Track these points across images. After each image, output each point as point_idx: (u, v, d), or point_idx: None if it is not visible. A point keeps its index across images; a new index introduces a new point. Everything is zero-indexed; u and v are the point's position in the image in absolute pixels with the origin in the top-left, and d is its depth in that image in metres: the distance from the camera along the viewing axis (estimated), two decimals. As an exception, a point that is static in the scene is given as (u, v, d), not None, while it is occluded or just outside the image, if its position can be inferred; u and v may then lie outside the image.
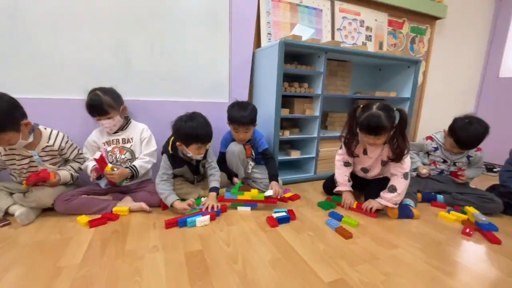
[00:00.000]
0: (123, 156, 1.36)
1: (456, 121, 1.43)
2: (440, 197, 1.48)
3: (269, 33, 1.89)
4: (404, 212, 1.29)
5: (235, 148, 1.50)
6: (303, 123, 1.96)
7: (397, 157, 1.26)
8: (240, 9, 1.72)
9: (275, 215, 1.22)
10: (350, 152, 1.40)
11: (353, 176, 1.50)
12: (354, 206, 1.36)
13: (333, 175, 1.58)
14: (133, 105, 1.51)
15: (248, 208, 1.32)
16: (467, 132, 1.36)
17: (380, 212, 1.33)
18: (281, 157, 1.77)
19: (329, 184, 1.57)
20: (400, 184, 1.27)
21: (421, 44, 2.63)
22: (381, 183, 1.34)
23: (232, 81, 1.82)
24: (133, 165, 1.33)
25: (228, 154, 1.54)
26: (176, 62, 1.65)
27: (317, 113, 1.79)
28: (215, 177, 1.41)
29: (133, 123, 1.44)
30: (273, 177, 1.47)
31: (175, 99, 1.68)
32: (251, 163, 1.58)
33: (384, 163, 1.39)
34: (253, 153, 1.58)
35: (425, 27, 2.60)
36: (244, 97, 1.86)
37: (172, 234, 1.09)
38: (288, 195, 1.51)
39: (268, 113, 1.69)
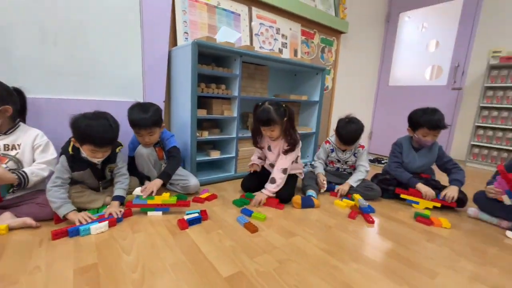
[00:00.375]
0: (4, 165, 1.13)
1: (339, 121, 1.69)
2: (337, 186, 1.72)
3: (186, 32, 1.86)
4: (306, 202, 1.45)
5: (143, 151, 1.42)
6: (224, 124, 2.00)
7: (292, 147, 1.48)
8: (152, 5, 1.64)
9: (186, 217, 1.21)
10: (256, 145, 1.61)
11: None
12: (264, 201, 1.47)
13: (249, 174, 1.67)
14: (31, 104, 1.29)
15: (159, 213, 1.27)
16: (345, 130, 1.62)
17: (288, 204, 1.47)
18: (200, 158, 1.77)
19: (246, 182, 1.65)
20: (279, 177, 1.47)
21: (330, 54, 3.00)
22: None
23: (147, 80, 1.73)
24: (22, 170, 1.12)
25: (137, 158, 1.45)
26: (76, 56, 1.47)
27: (235, 114, 1.85)
28: (122, 185, 1.31)
29: (22, 127, 1.21)
30: (162, 174, 1.38)
31: (82, 97, 1.50)
32: (164, 165, 1.53)
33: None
34: (165, 155, 1.53)
35: (333, 39, 2.98)
36: (160, 97, 1.79)
37: (62, 248, 0.97)
38: (204, 195, 1.52)
39: (186, 113, 1.66)
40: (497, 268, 1.00)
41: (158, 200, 1.25)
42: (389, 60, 3.60)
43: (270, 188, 1.46)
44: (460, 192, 1.51)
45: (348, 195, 1.64)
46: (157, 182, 1.33)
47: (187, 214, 1.25)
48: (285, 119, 1.46)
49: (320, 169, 1.77)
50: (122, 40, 1.60)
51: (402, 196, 1.57)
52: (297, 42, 2.60)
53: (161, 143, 1.52)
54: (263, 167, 1.70)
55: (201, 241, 1.07)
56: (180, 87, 1.72)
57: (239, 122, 1.89)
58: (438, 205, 1.49)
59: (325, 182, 1.68)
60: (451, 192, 1.47)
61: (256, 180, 1.63)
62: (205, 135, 1.77)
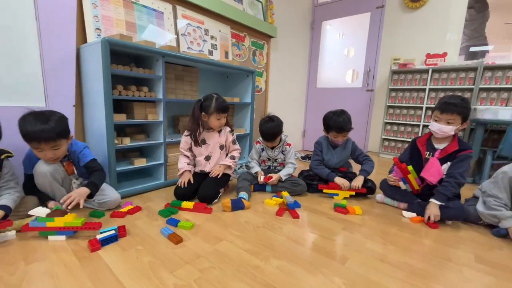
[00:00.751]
0: None
1: (260, 121, 1.77)
2: (268, 186, 1.78)
3: (98, 28, 1.66)
4: (237, 205, 1.45)
5: (45, 169, 1.21)
6: (150, 129, 1.86)
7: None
8: (49, -6, 1.41)
9: (99, 236, 1.07)
10: (195, 140, 1.63)
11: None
12: (191, 205, 1.43)
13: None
14: None
15: (62, 237, 1.10)
16: (265, 127, 1.72)
17: (218, 209, 1.45)
18: (122, 167, 1.60)
19: (180, 188, 1.56)
20: (236, 155, 1.72)
21: (261, 56, 3.09)
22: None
23: (49, 82, 1.48)
24: None
25: (36, 176, 1.22)
26: None
27: (161, 117, 1.74)
28: (11, 196, 1.12)
29: None
30: (89, 184, 1.25)
31: None
32: (76, 181, 1.34)
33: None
34: (76, 170, 1.34)
35: (263, 43, 3.08)
36: (69, 101, 1.56)
37: None
38: (126, 209, 1.38)
39: (100, 119, 1.48)
40: (395, 245, 1.17)
41: (59, 222, 1.07)
42: (316, 64, 3.92)
43: (229, 160, 1.68)
44: (370, 181, 1.73)
45: (278, 192, 1.71)
46: (82, 191, 1.18)
47: (101, 232, 1.11)
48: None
49: (257, 168, 1.81)
50: (9, 33, 1.33)
51: (324, 191, 1.71)
52: (227, 44, 2.60)
53: (71, 156, 1.32)
54: (194, 172, 1.66)
55: (114, 261, 0.96)
56: (92, 90, 1.53)
57: (167, 126, 1.78)
58: (353, 193, 1.68)
59: (262, 175, 1.75)
60: (356, 182, 1.67)
61: (190, 185, 1.57)
62: (126, 142, 1.61)
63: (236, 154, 1.73)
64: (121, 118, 1.56)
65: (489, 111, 2.11)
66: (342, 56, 3.76)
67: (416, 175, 1.49)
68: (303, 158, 3.09)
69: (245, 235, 1.19)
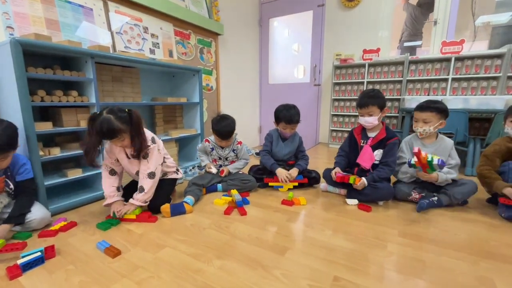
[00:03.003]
0: None
1: (212, 120, 1.76)
2: (219, 186, 1.78)
3: (10, 27, 1.47)
4: (176, 209, 1.42)
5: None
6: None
7: (138, 153, 1.33)
8: None
9: (20, 261, 0.96)
10: (92, 163, 1.27)
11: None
12: (134, 215, 1.35)
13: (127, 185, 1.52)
14: None
15: (-27, 266, 0.96)
16: (219, 126, 1.71)
17: (159, 215, 1.41)
18: (52, 181, 1.45)
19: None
20: (147, 184, 1.37)
21: (209, 55, 3.04)
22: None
23: None
24: None
25: None
26: None
27: (96, 124, 1.61)
28: None
29: None
30: (9, 219, 1.16)
31: None
32: (3, 201, 1.18)
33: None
34: (11, 186, 1.19)
35: (210, 41, 3.03)
36: (-24, 111, 1.35)
37: None
38: (57, 226, 1.26)
39: (20, 129, 1.32)
40: (333, 230, 1.26)
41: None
42: (266, 60, 3.99)
43: (138, 197, 1.36)
44: (314, 171, 1.85)
45: (228, 191, 1.71)
46: (2, 230, 1.10)
47: (23, 256, 1.00)
48: (129, 126, 1.27)
49: (206, 161, 1.85)
50: None
51: (270, 184, 1.77)
52: (171, 42, 2.51)
53: (9, 169, 1.18)
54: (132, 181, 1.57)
55: (38, 287, 0.87)
56: (7, 97, 1.34)
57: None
58: (296, 184, 1.78)
59: (212, 167, 1.77)
60: (291, 172, 1.77)
61: (133, 192, 1.48)
62: (56, 153, 1.46)
63: (146, 183, 1.39)
64: (46, 127, 1.41)
65: (414, 101, 2.39)
66: (291, 52, 3.89)
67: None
68: (257, 154, 3.15)
69: (189, 239, 1.17)
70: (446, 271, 0.95)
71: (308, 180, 1.81)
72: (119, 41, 2.03)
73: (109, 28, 1.97)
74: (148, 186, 1.36)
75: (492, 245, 1.13)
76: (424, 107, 1.52)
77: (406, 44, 3.44)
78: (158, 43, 2.36)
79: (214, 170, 1.75)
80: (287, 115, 1.77)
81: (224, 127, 1.71)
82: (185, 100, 2.31)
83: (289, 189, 1.78)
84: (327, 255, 1.04)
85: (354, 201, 1.56)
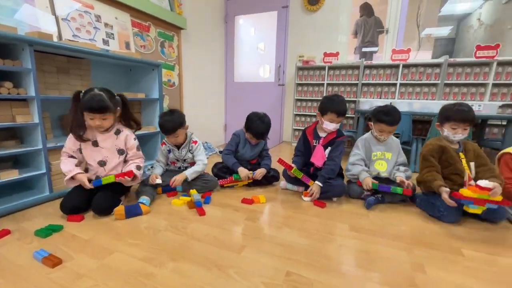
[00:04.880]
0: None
1: (160, 118, 1.69)
2: (179, 186, 1.72)
3: None
4: (132, 211, 1.35)
5: None
6: (24, 133, 1.54)
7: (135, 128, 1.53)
8: None
9: None
10: (80, 138, 1.37)
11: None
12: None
13: (70, 191, 1.39)
14: None
15: None
16: (163, 120, 1.64)
17: (111, 218, 1.32)
18: (-20, 184, 1.27)
19: (69, 200, 1.34)
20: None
21: (171, 49, 2.92)
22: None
23: None
24: None
25: None
26: None
27: (36, 119, 1.45)
28: None
29: None
30: None
31: None
32: None
33: None
34: None
35: (172, 34, 2.91)
36: None
37: None
38: (-14, 235, 1.11)
39: None
40: (289, 227, 1.30)
41: None
42: (232, 58, 3.96)
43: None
44: (273, 170, 1.89)
45: (187, 191, 1.67)
46: None
47: None
48: (118, 108, 1.42)
49: (157, 170, 1.71)
50: None
51: (225, 185, 1.77)
52: (128, 34, 2.35)
53: None
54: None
55: (-45, 307, 0.76)
56: None
57: (49, 129, 1.50)
58: (251, 180, 1.81)
59: (156, 179, 1.60)
60: (258, 173, 1.79)
61: (83, 194, 1.37)
62: (-16, 152, 1.28)
63: (141, 163, 1.52)
64: (-29, 122, 1.23)
65: (367, 103, 2.57)
66: (256, 51, 3.91)
67: (300, 175, 1.63)
68: (221, 152, 3.12)
69: (143, 242, 1.12)
70: (387, 260, 1.04)
71: (267, 178, 1.85)
72: (66, 28, 1.84)
73: (53, 13, 1.78)
74: (141, 166, 1.51)
75: (426, 234, 1.27)
76: (395, 122, 1.63)
77: (364, 49, 3.69)
78: (112, 34, 2.20)
79: (159, 180, 1.60)
80: (259, 128, 1.78)
81: (166, 122, 1.63)
82: (143, 96, 2.19)
83: (244, 185, 1.83)
84: (282, 252, 1.07)
85: (282, 184, 1.71)
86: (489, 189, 1.21)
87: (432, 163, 1.50)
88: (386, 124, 1.62)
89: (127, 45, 2.35)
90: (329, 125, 1.63)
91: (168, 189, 1.68)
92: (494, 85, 2.63)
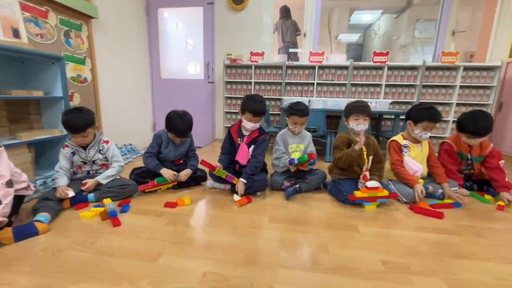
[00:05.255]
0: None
1: (64, 116, 1.51)
2: (90, 195, 1.54)
3: None
4: (24, 231, 1.14)
5: None
6: None
7: None
8: None
9: None
10: None
11: None
12: None
13: None
14: None
15: None
16: (67, 118, 1.48)
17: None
18: None
19: None
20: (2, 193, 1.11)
21: (79, 40, 2.55)
22: None
23: None
24: None
25: None
26: None
27: None
28: None
29: None
30: None
31: None
32: None
33: None
34: None
35: (80, 23, 2.55)
36: None
37: None
38: None
39: None
40: (213, 227, 1.32)
41: None
42: (157, 53, 3.71)
43: None
44: (199, 170, 1.87)
45: (101, 200, 1.51)
46: None
47: None
48: None
49: (61, 181, 1.48)
50: None
51: (146, 190, 1.68)
52: (15, 19, 1.94)
53: None
54: None
55: None
56: None
57: None
58: (175, 183, 1.76)
59: (68, 191, 1.42)
60: (182, 175, 1.75)
61: None
62: None
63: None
64: None
65: (290, 101, 2.77)
66: (184, 46, 3.76)
67: (224, 174, 1.67)
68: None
69: (37, 268, 0.96)
70: (298, 245, 1.16)
71: (195, 179, 1.82)
72: None
73: None
74: (8, 199, 1.11)
75: (332, 217, 1.46)
76: (304, 113, 1.79)
77: (291, 50, 3.96)
78: (-8, 17, 1.78)
79: (71, 193, 1.42)
80: (178, 129, 1.72)
81: (74, 119, 1.46)
82: (41, 94, 1.86)
83: (174, 186, 1.77)
84: (202, 253, 1.08)
85: (209, 183, 1.77)
86: (376, 188, 1.50)
87: (342, 151, 1.73)
88: (298, 116, 1.79)
89: (16, 33, 1.95)
90: (247, 124, 1.71)
91: (77, 201, 1.49)
92: (386, 85, 3.19)
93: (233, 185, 1.71)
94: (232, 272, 0.96)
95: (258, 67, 3.38)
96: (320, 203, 1.66)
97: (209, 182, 1.86)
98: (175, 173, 1.71)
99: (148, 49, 3.69)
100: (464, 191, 1.77)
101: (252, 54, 3.41)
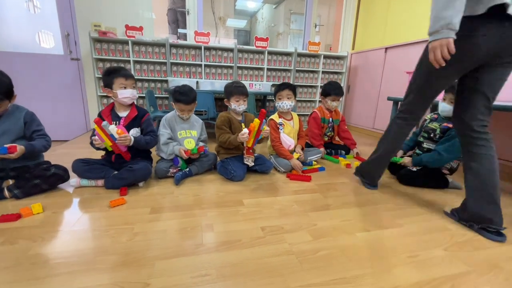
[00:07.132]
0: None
1: None
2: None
3: None
4: None
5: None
6: None
7: None
8: None
9: None
10: None
11: None
12: None
13: None
14: None
15: None
16: None
17: None
18: None
19: None
20: None
21: None
22: None
23: None
24: None
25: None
26: None
27: None
28: None
29: None
30: None
31: None
32: None
33: None
34: None
35: None
36: None
37: None
38: None
39: None
40: (71, 235, 1.07)
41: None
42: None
43: None
44: (55, 166, 1.48)
45: None
46: None
47: None
48: None
49: None
50: None
51: None
52: None
53: None
54: None
55: None
56: None
57: None
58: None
59: None
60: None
61: None
62: None
63: None
64: None
65: (175, 82, 2.59)
66: (24, 10, 2.83)
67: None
68: None
69: None
70: (180, 231, 1.10)
71: (47, 179, 1.43)
72: None
73: None
74: None
75: (220, 196, 1.47)
76: (190, 99, 1.70)
77: (180, 31, 3.65)
78: None
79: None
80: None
81: None
82: None
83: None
84: (53, 271, 0.85)
85: (73, 181, 1.48)
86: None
87: (225, 130, 1.77)
88: (183, 104, 1.68)
89: None
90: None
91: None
92: (268, 69, 3.47)
93: (109, 176, 1.47)
94: (99, 281, 0.80)
95: (136, 43, 2.96)
96: (210, 184, 1.64)
97: (74, 180, 1.50)
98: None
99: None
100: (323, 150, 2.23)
101: (128, 28, 2.94)
